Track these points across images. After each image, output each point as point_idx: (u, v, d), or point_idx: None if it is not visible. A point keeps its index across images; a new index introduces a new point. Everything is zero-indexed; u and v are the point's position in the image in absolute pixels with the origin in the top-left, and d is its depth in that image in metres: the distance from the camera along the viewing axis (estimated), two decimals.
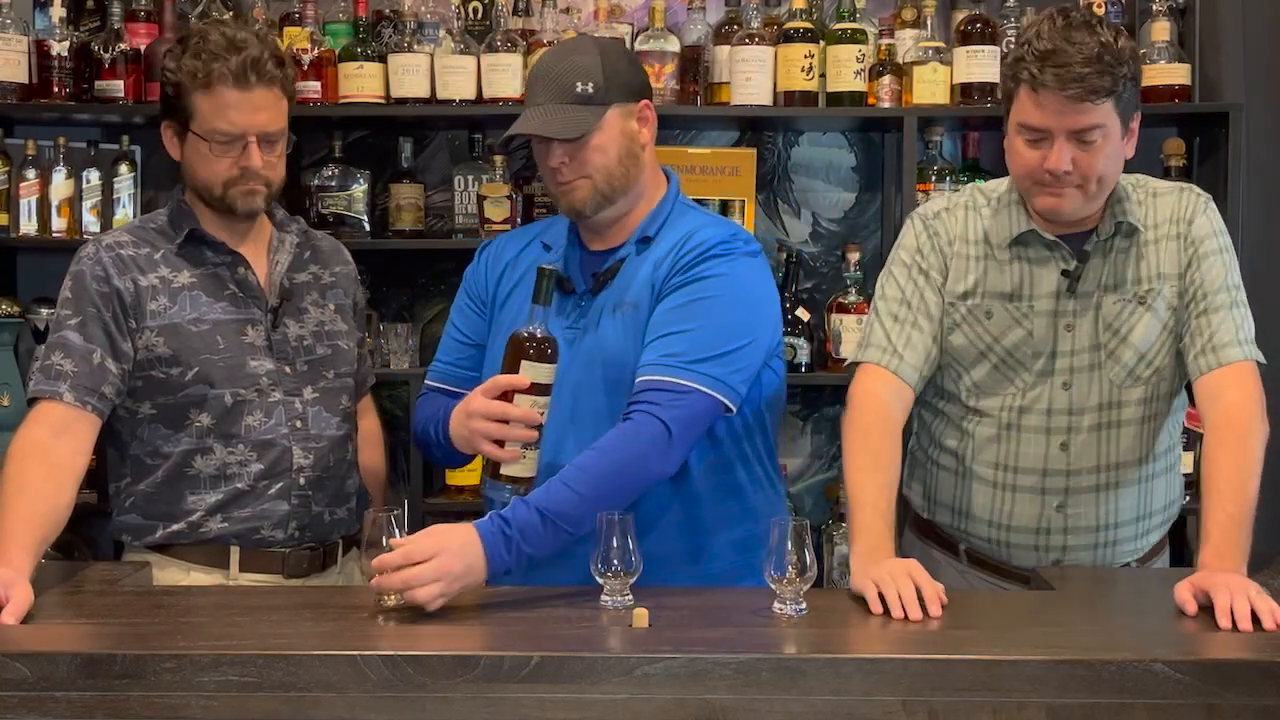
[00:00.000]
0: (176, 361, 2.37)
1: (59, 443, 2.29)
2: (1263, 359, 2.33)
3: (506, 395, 2.19)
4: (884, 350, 2.38)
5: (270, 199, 2.43)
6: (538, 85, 2.33)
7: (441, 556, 2.03)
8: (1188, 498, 3.33)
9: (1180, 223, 2.38)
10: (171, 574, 2.40)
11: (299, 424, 2.43)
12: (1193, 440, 3.42)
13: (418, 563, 2.03)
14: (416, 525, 3.53)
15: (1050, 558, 2.42)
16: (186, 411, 2.37)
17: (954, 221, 2.44)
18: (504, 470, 2.21)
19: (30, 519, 2.19)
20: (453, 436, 2.30)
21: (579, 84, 2.29)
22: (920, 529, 2.59)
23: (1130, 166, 3.52)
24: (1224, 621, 1.97)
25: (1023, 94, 2.25)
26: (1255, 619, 1.98)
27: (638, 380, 2.24)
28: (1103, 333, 2.38)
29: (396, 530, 2.07)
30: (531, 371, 2.18)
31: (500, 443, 2.19)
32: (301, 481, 2.42)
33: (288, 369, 2.44)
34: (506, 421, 2.18)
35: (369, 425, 2.70)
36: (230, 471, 2.39)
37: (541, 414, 2.20)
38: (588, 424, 2.31)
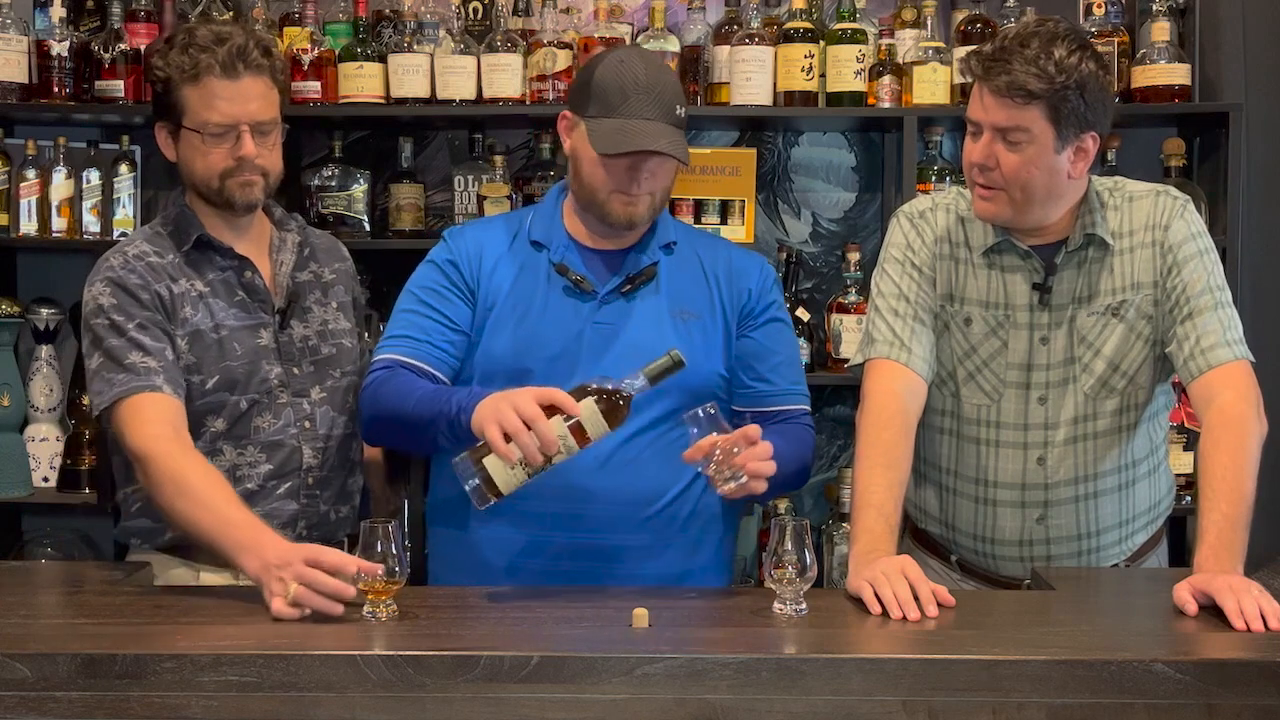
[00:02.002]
0: (198, 370, 2.36)
1: (181, 434, 2.28)
2: (1252, 357, 2.33)
3: (550, 410, 2.08)
4: (891, 344, 2.38)
5: (268, 191, 2.42)
6: (644, 97, 2.30)
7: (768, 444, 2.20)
8: (1188, 499, 3.34)
9: (1156, 229, 2.37)
10: (181, 574, 2.40)
11: (307, 424, 2.43)
12: (1193, 441, 3.42)
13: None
14: (416, 525, 3.54)
15: (1036, 566, 2.42)
16: (203, 419, 2.37)
17: (938, 222, 2.44)
18: (486, 462, 2.07)
19: (238, 503, 2.20)
20: (477, 411, 2.15)
21: (678, 106, 2.35)
22: (916, 537, 2.60)
23: (1131, 166, 3.56)
24: (1239, 623, 1.97)
25: (973, 86, 2.30)
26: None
27: (783, 405, 2.46)
28: (1077, 346, 2.38)
29: (393, 539, 2.04)
30: (588, 414, 2.08)
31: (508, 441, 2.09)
32: (310, 481, 2.43)
33: (296, 370, 2.44)
34: (530, 429, 2.07)
35: None
36: (240, 473, 2.38)
37: (560, 453, 2.08)
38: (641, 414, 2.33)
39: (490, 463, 2.08)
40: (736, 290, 2.46)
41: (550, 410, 2.08)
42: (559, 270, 2.40)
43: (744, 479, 2.15)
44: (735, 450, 2.14)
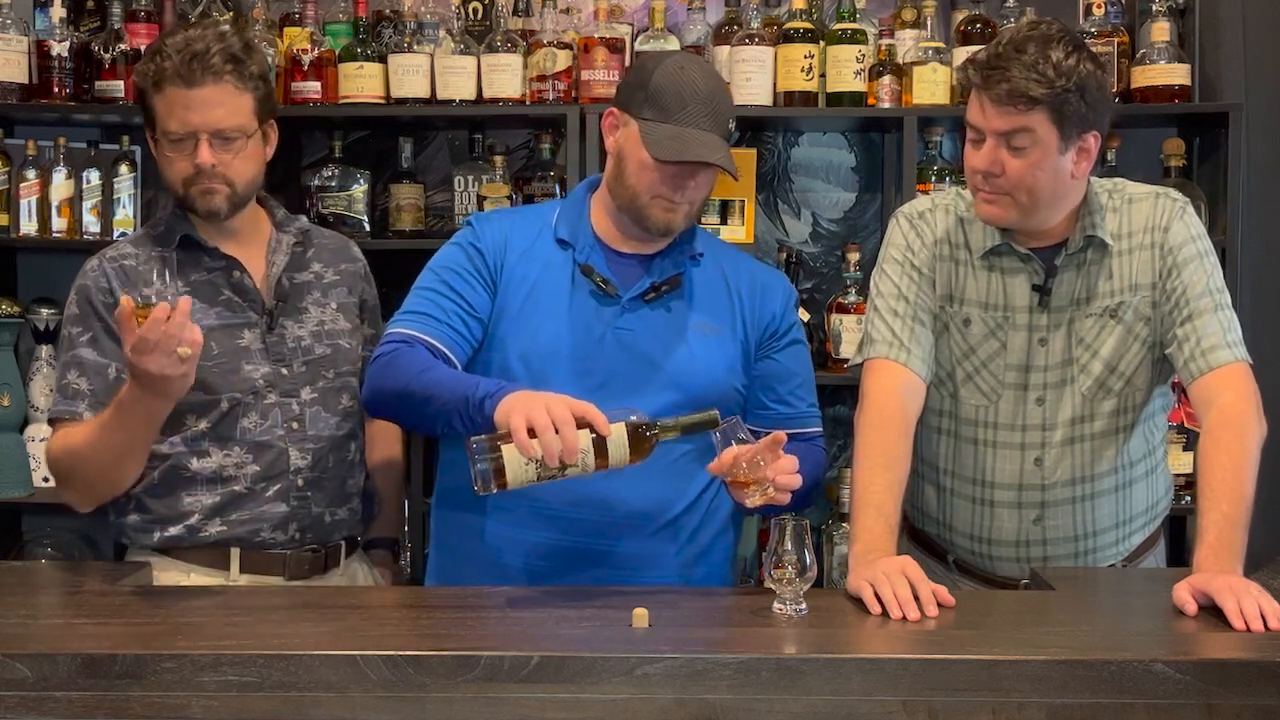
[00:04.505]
0: None
1: None
2: (1250, 360, 2.33)
3: (582, 423, 2.06)
4: (891, 345, 2.38)
5: (236, 199, 2.40)
6: (702, 107, 2.29)
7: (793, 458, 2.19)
8: (1188, 498, 3.34)
9: (1155, 231, 2.37)
10: (172, 575, 2.40)
11: (295, 425, 2.42)
12: (1193, 441, 3.42)
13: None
14: (416, 524, 3.54)
15: (1032, 567, 2.43)
16: (183, 418, 2.37)
17: (937, 223, 2.44)
18: (505, 449, 2.04)
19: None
20: (504, 400, 2.10)
21: (730, 122, 2.36)
22: (913, 536, 2.60)
23: (1131, 166, 3.56)
24: (1238, 623, 1.97)
25: (971, 93, 2.29)
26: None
27: (800, 429, 2.42)
28: (1075, 347, 2.38)
29: (168, 267, 2.18)
30: (616, 438, 2.07)
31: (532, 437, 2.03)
32: (300, 483, 2.42)
33: (285, 370, 2.43)
34: (557, 431, 2.03)
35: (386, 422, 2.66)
36: (227, 474, 2.38)
37: (575, 466, 2.06)
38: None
39: (508, 451, 2.05)
40: (760, 311, 2.45)
41: (580, 424, 2.06)
42: (584, 271, 2.38)
43: (770, 490, 2.15)
44: (760, 462, 2.14)
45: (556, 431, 2.02)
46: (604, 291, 2.36)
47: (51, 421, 2.39)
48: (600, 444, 2.07)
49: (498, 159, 3.67)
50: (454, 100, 3.55)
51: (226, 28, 2.47)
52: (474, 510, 2.37)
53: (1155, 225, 2.37)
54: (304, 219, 2.59)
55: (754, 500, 2.16)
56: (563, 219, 2.43)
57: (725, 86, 2.43)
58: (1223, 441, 2.21)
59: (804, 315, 3.65)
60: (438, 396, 2.20)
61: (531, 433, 2.03)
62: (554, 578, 2.30)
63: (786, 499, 2.18)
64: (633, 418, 2.10)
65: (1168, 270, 2.35)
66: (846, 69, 3.53)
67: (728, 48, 3.57)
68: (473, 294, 2.37)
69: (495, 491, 2.07)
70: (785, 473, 2.15)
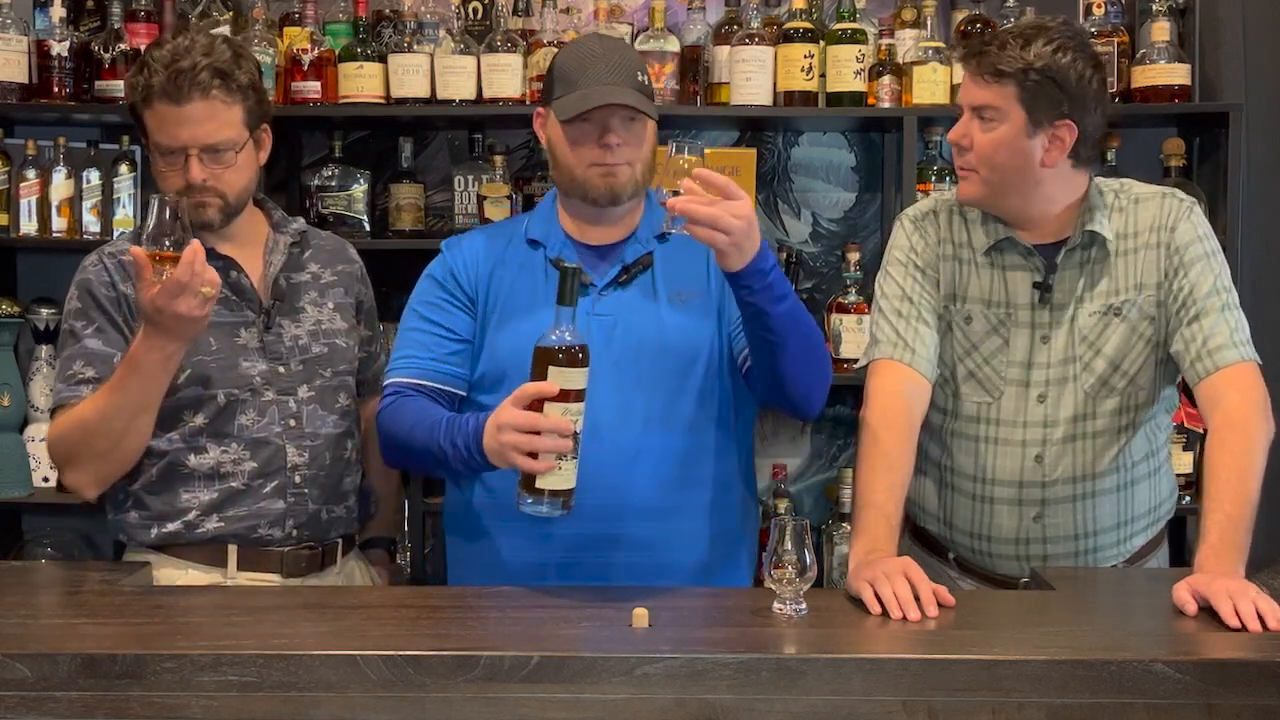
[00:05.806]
0: None
1: None
2: (1259, 359, 2.32)
3: (536, 405, 2.07)
4: (895, 345, 2.39)
5: (228, 211, 2.40)
6: (601, 65, 2.32)
7: (747, 203, 2.11)
8: (1188, 499, 3.34)
9: (1162, 230, 2.37)
10: (168, 573, 2.40)
11: (293, 422, 2.43)
12: (1193, 441, 3.42)
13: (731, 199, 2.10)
14: (416, 526, 3.54)
15: (1032, 566, 2.43)
16: (180, 413, 2.38)
17: (940, 222, 2.46)
18: (539, 483, 2.07)
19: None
20: (487, 451, 2.16)
21: (639, 73, 2.36)
22: (914, 534, 2.60)
23: (1131, 166, 3.56)
24: (1234, 623, 1.97)
25: None
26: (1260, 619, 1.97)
27: None
28: (1078, 345, 2.38)
29: (182, 215, 2.13)
30: (561, 378, 2.05)
31: (534, 455, 2.06)
32: (297, 479, 2.42)
33: (282, 369, 2.44)
34: (538, 432, 2.05)
35: None
36: (224, 470, 2.39)
37: (575, 421, 2.05)
38: (643, 397, 2.34)
39: (543, 482, 2.07)
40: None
41: (532, 406, 2.06)
42: (556, 265, 2.39)
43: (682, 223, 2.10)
44: (680, 166, 2.11)
45: (539, 433, 2.04)
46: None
47: (54, 411, 2.39)
48: (564, 394, 2.05)
49: (498, 159, 3.67)
50: (454, 100, 3.55)
51: (218, 32, 2.47)
52: (482, 530, 2.40)
53: (1162, 225, 2.37)
54: (301, 220, 2.60)
55: (666, 199, 2.11)
56: (534, 223, 2.48)
57: (629, 48, 2.48)
58: (1228, 443, 2.21)
59: None
60: (435, 458, 2.27)
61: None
62: (577, 568, 2.30)
63: (700, 232, 2.09)
64: (543, 347, 2.07)
65: (1174, 270, 2.35)
66: (846, 69, 3.53)
67: (728, 48, 3.57)
68: (454, 320, 2.42)
69: (572, 506, 2.10)
70: (693, 202, 2.07)
